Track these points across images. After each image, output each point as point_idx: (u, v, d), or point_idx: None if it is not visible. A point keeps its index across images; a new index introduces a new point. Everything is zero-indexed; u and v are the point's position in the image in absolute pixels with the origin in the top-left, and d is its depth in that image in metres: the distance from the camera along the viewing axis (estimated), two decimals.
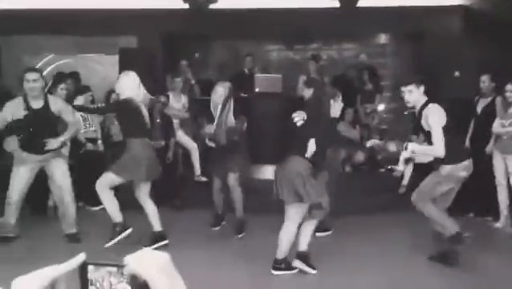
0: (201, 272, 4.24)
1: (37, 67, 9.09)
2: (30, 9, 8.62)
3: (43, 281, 0.77)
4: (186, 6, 7.14)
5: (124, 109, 4.77)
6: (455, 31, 8.42)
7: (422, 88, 4.35)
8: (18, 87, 7.86)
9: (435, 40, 8.43)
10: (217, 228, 5.68)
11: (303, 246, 4.30)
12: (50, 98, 5.09)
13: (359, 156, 7.96)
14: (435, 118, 4.23)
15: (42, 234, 5.32)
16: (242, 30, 8.71)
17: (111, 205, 4.68)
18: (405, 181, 6.79)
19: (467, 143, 6.21)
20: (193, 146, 7.19)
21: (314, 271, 4.29)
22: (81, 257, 0.81)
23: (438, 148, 4.19)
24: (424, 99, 4.36)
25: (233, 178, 5.41)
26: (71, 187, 5.11)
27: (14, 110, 4.87)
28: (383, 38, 9.67)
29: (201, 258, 4.71)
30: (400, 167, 6.93)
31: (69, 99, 6.35)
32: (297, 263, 4.31)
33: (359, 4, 7.23)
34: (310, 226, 4.27)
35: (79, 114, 6.13)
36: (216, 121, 5.40)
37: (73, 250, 1.00)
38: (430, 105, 4.30)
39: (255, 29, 8.73)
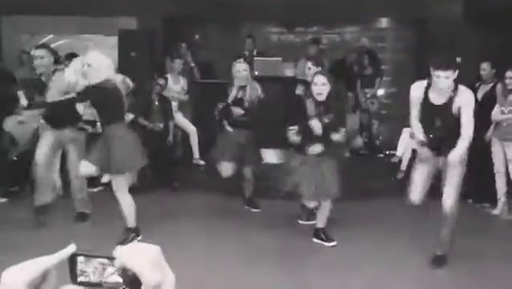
0: (196, 260, 4.27)
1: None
2: None
3: (34, 272, 0.77)
4: None
5: (105, 93, 4.32)
6: (456, 17, 8.35)
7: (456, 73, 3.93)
8: (18, 66, 7.87)
9: (436, 26, 8.36)
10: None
11: (320, 224, 4.74)
12: (57, 74, 4.96)
13: (358, 142, 7.97)
14: (471, 101, 4.00)
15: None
16: (243, 12, 8.63)
17: (129, 210, 4.48)
18: (403, 167, 6.80)
19: None
20: (191, 129, 7.18)
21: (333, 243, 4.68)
22: (71, 248, 0.81)
23: (470, 132, 3.96)
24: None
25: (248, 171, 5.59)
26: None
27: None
28: (384, 23, 9.60)
29: (197, 242, 4.74)
30: (399, 152, 6.94)
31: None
32: (314, 240, 4.73)
33: None
34: (326, 206, 4.67)
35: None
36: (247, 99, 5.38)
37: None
38: (462, 88, 4.01)
39: (256, 11, 8.65)
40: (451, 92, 3.96)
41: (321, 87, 4.42)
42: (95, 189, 6.19)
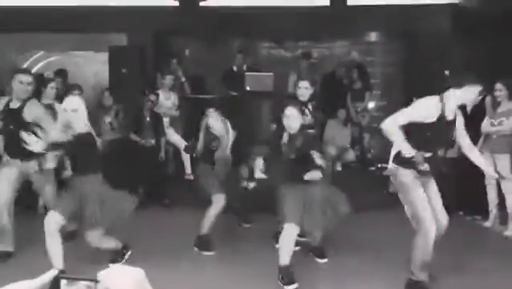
0: (186, 278, 4.24)
1: (27, 64, 9.10)
2: (19, 6, 8.54)
3: None
4: (176, 3, 7.11)
5: (88, 143, 4.05)
6: (445, 30, 8.44)
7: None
8: (8, 85, 7.83)
9: (425, 38, 8.45)
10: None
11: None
12: (30, 102, 4.62)
13: (350, 155, 7.98)
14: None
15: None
16: (233, 27, 8.67)
17: (108, 246, 4.38)
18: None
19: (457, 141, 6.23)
20: (182, 144, 7.17)
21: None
22: (53, 272, 0.80)
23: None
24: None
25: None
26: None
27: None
28: (373, 36, 9.68)
29: (187, 260, 4.70)
30: (391, 165, 6.94)
31: (59, 98, 6.32)
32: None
33: (350, 2, 7.23)
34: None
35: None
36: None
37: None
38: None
39: (246, 26, 8.70)
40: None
41: (292, 120, 4.18)
42: None
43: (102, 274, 0.77)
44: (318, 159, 4.13)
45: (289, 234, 4.00)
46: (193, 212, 5.73)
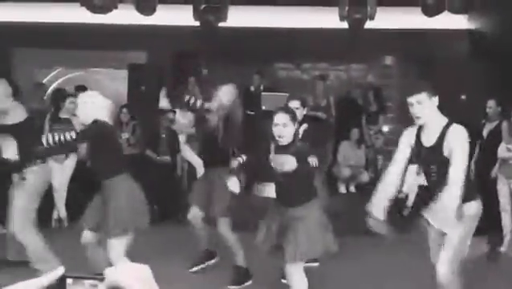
0: None
1: (46, 79, 9.28)
2: (41, 22, 8.74)
3: None
4: (196, 23, 7.23)
5: (101, 135, 3.87)
6: (461, 55, 8.47)
7: (436, 100, 3.42)
8: (28, 99, 8.00)
9: (441, 63, 8.47)
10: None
11: None
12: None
13: (364, 177, 7.97)
14: (464, 143, 3.32)
15: None
16: (251, 48, 8.78)
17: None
18: (409, 203, 6.75)
19: (472, 167, 6.21)
20: (197, 162, 7.22)
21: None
22: (59, 270, 0.82)
23: (459, 180, 3.24)
24: (444, 118, 3.45)
25: None
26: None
27: None
28: (390, 60, 9.73)
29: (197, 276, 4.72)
30: (405, 188, 6.92)
31: None
32: None
33: (367, 26, 7.30)
34: None
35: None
36: None
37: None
38: (456, 126, 3.38)
39: (264, 48, 8.81)
40: (441, 130, 3.37)
41: (281, 128, 3.58)
42: None
43: (109, 271, 0.80)
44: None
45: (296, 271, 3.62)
46: (206, 227, 5.71)
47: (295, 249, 3.51)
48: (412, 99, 3.35)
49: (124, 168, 3.92)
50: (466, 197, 3.33)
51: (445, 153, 3.34)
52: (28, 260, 4.10)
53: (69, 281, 0.82)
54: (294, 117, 3.66)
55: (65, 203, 6.20)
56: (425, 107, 3.35)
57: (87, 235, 3.94)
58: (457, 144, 3.29)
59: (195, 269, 4.83)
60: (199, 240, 4.87)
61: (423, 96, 3.35)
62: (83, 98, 4.04)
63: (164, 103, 4.47)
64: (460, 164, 3.26)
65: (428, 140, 3.45)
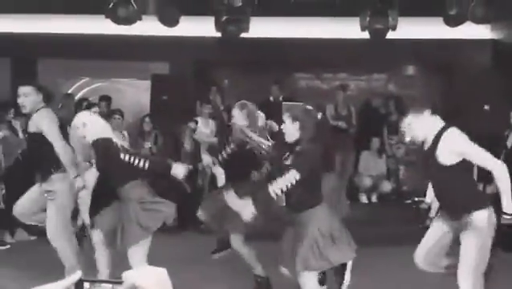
0: None
1: (72, 89, 9.45)
2: (66, 33, 8.92)
3: None
4: (218, 34, 7.32)
5: (102, 154, 3.98)
6: (484, 65, 8.40)
7: (427, 112, 3.51)
8: (55, 109, 8.17)
9: (464, 73, 8.42)
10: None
11: None
12: (36, 114, 4.43)
13: (386, 186, 7.94)
14: (467, 141, 3.41)
15: None
16: (271, 58, 8.84)
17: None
18: (432, 214, 6.70)
19: None
20: (219, 171, 7.26)
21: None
22: (77, 275, 0.85)
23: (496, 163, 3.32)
24: (441, 122, 3.49)
25: None
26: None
27: None
28: (411, 69, 9.70)
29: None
30: (428, 199, 6.86)
31: None
32: None
33: (388, 36, 7.30)
34: None
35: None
36: None
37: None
38: (452, 129, 3.46)
39: (284, 58, 8.86)
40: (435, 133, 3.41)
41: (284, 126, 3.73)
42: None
43: (127, 274, 0.83)
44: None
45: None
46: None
47: (297, 257, 3.50)
48: (403, 127, 3.58)
49: (136, 175, 3.94)
50: (476, 206, 3.33)
51: (440, 158, 3.36)
52: None
53: (86, 285, 0.84)
54: (296, 117, 3.65)
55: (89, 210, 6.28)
56: (414, 127, 3.52)
57: (99, 237, 4.06)
58: (463, 146, 3.37)
59: (217, 256, 4.81)
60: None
61: (409, 119, 3.54)
62: (80, 120, 4.01)
63: (206, 159, 4.56)
64: (482, 156, 3.38)
65: (426, 143, 3.53)
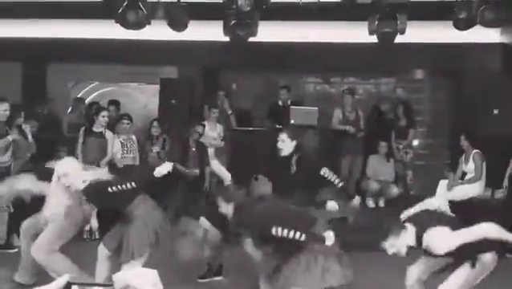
0: None
1: (81, 94, 9.52)
2: (76, 38, 8.99)
3: None
4: (226, 38, 7.34)
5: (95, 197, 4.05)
6: (494, 69, 8.34)
7: None
8: (64, 113, 8.23)
9: (473, 77, 8.37)
10: None
11: None
12: None
13: (393, 191, 7.90)
14: None
15: None
16: (279, 62, 8.85)
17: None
18: None
19: (505, 182, 6.11)
20: (226, 175, 7.29)
21: None
22: (64, 278, 0.85)
23: None
24: None
25: None
26: None
27: None
28: (420, 74, 9.66)
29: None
30: (435, 202, 6.82)
31: (110, 127, 6.60)
32: None
33: (397, 40, 7.28)
34: None
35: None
36: None
37: None
38: None
39: (292, 62, 8.87)
40: None
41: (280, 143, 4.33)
42: None
43: (117, 276, 0.83)
44: None
45: None
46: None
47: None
48: None
49: (139, 191, 4.00)
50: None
51: None
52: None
53: (75, 287, 0.85)
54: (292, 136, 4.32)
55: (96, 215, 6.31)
56: None
57: (104, 252, 4.07)
58: None
59: (201, 281, 4.91)
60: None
61: None
62: (60, 169, 3.97)
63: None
64: None
65: None
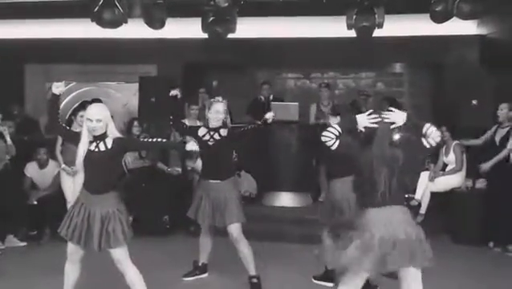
0: None
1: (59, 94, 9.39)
2: (52, 38, 8.88)
3: None
4: (205, 35, 7.28)
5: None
6: (472, 61, 8.43)
7: None
8: (42, 114, 8.11)
9: (452, 69, 8.45)
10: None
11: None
12: None
13: None
14: None
15: None
16: (259, 58, 8.84)
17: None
18: (423, 210, 6.74)
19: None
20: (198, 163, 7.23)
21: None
22: None
23: None
24: None
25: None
26: None
27: None
28: (399, 68, 9.73)
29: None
30: (418, 196, 6.88)
31: None
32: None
33: (375, 34, 7.29)
34: None
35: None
36: None
37: None
38: None
39: (272, 58, 8.86)
40: None
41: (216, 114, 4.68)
42: None
43: None
44: None
45: None
46: (218, 240, 5.74)
47: None
48: None
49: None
50: None
51: None
52: None
53: None
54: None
55: None
56: None
57: (73, 249, 3.80)
58: None
59: (187, 279, 4.95)
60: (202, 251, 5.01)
61: None
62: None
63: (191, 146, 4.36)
64: None
65: None
